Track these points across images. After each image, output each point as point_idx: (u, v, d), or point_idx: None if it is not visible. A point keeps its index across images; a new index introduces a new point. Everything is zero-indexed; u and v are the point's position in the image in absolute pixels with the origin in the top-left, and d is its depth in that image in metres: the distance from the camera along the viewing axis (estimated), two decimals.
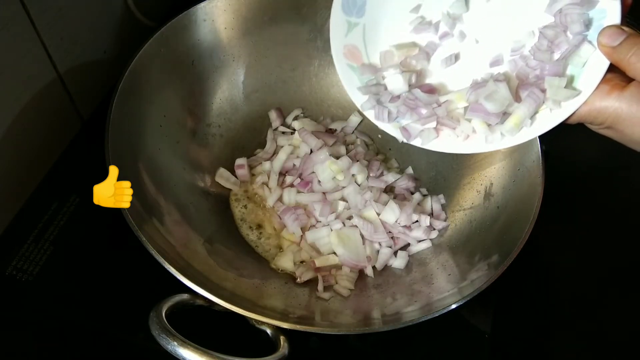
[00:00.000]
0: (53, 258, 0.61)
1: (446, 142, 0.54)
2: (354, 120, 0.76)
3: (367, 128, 0.76)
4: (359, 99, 0.56)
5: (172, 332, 0.44)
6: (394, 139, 0.78)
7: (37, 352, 0.57)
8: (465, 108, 0.52)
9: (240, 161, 0.70)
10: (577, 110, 0.46)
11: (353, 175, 0.68)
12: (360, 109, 0.56)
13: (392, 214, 0.64)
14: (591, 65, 0.46)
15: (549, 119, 0.49)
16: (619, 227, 0.70)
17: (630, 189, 0.74)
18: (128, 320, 0.57)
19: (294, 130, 0.74)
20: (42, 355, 0.57)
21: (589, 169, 0.75)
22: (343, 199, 0.67)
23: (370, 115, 0.56)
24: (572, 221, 0.70)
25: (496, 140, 0.52)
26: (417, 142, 0.55)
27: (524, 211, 0.56)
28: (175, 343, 0.44)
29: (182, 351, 0.43)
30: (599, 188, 0.74)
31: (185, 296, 0.49)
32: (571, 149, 0.71)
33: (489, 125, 0.51)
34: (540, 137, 0.59)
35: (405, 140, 0.55)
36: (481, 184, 0.66)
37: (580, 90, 0.46)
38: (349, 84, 0.56)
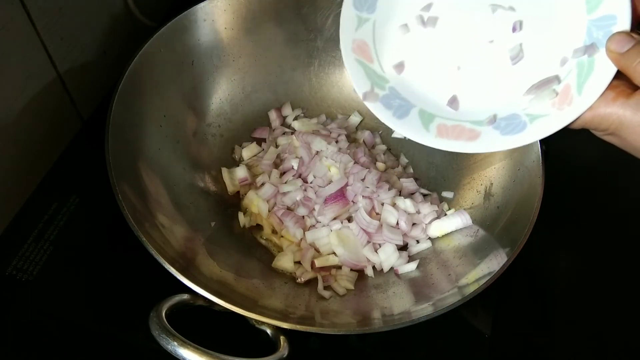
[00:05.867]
0: (53, 258, 0.61)
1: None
2: (354, 120, 0.76)
3: (367, 128, 0.76)
4: (364, 92, 0.55)
5: (172, 332, 0.44)
6: (394, 139, 0.78)
7: (37, 352, 0.57)
8: None
9: (242, 174, 0.69)
10: (581, 115, 0.46)
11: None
12: (365, 102, 0.55)
13: (391, 214, 0.64)
14: (597, 72, 0.46)
15: (553, 123, 0.49)
16: (618, 227, 0.70)
17: (630, 189, 0.74)
18: (128, 321, 0.57)
19: (294, 130, 0.74)
20: (42, 355, 0.57)
21: (589, 169, 0.75)
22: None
23: (373, 109, 0.55)
24: (572, 221, 0.70)
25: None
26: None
27: (524, 211, 0.56)
28: (175, 343, 0.44)
29: (182, 351, 0.43)
30: (599, 188, 0.74)
31: (185, 296, 0.49)
32: (571, 149, 0.71)
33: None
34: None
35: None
36: (481, 184, 0.66)
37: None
38: (357, 78, 0.55)
